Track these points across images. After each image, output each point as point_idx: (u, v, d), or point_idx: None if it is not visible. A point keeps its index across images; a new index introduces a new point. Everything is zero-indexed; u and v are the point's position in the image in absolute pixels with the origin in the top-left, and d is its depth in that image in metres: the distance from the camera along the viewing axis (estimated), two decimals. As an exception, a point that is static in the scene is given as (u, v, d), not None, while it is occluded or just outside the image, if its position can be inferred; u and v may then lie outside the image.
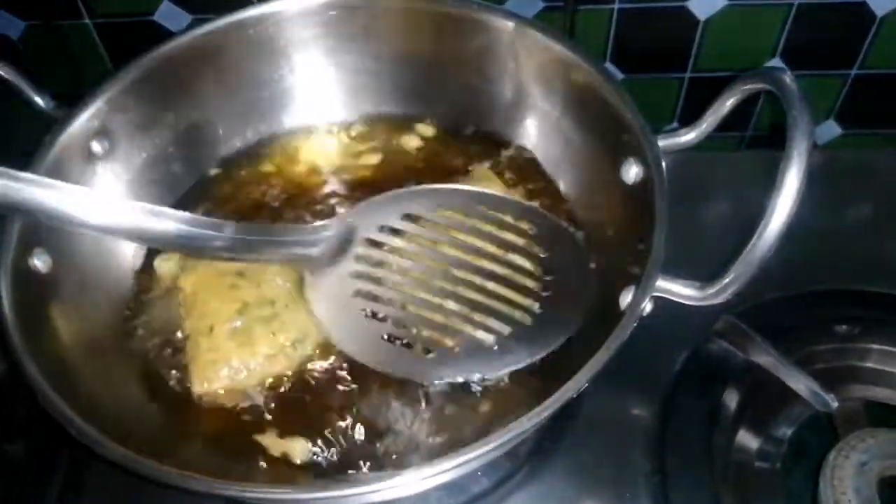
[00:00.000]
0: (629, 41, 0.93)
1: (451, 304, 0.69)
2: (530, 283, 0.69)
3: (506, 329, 0.68)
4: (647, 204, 0.63)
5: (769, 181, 0.54)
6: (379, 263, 0.70)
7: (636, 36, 0.92)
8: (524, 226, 0.70)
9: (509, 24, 0.76)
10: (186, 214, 0.58)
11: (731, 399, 0.77)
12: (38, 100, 0.73)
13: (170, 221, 0.57)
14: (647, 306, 0.58)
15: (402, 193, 0.71)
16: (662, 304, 0.60)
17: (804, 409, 0.77)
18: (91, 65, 0.97)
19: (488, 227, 0.69)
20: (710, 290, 0.57)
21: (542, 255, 0.69)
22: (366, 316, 0.69)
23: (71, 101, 0.74)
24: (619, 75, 0.96)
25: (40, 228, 0.67)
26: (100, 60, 0.97)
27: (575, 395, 0.53)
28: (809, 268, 0.85)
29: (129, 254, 0.78)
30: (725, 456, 0.75)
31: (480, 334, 0.68)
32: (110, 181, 0.75)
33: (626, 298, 0.61)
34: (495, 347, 0.67)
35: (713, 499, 0.71)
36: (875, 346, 0.80)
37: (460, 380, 0.68)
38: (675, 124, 1.03)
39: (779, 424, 0.78)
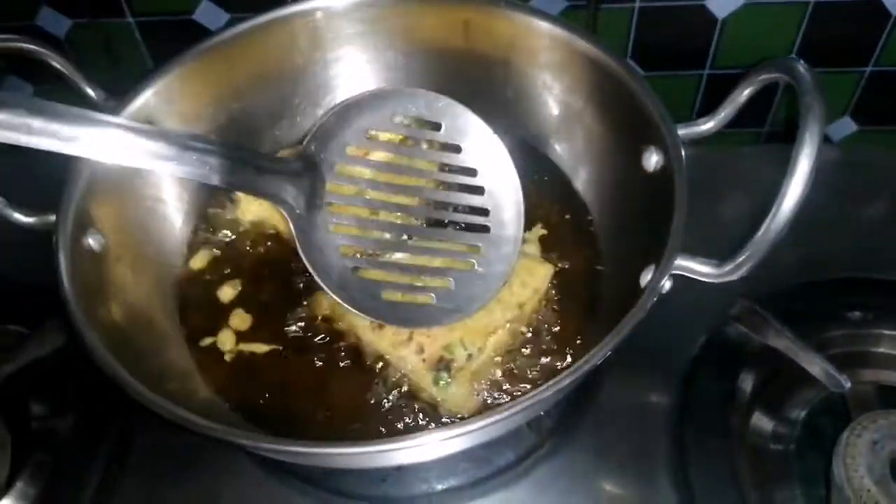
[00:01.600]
0: (649, 39, 0.95)
1: (433, 245, 0.74)
2: (479, 203, 0.74)
3: (479, 251, 0.72)
4: (668, 189, 0.66)
5: (785, 172, 0.56)
6: (352, 210, 0.73)
7: (656, 34, 0.95)
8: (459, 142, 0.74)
9: (535, 21, 0.80)
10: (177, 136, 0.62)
11: (747, 381, 0.80)
12: (90, 91, 0.77)
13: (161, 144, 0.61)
14: (667, 283, 0.61)
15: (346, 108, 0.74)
16: (682, 289, 0.63)
17: (817, 391, 0.79)
18: (133, 62, 1.01)
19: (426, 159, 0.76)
20: (727, 268, 0.59)
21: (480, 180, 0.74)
22: (357, 274, 0.72)
23: (118, 95, 0.78)
24: (640, 72, 0.99)
25: (93, 211, 0.71)
26: (141, 58, 1.01)
27: (599, 362, 0.56)
28: (824, 257, 0.88)
29: (177, 226, 0.83)
30: (742, 436, 0.77)
31: (465, 265, 0.72)
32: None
33: (646, 277, 0.64)
34: (480, 270, 0.72)
35: (731, 475, 0.73)
36: (887, 332, 0.82)
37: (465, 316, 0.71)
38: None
39: (793, 406, 0.80)
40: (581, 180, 0.84)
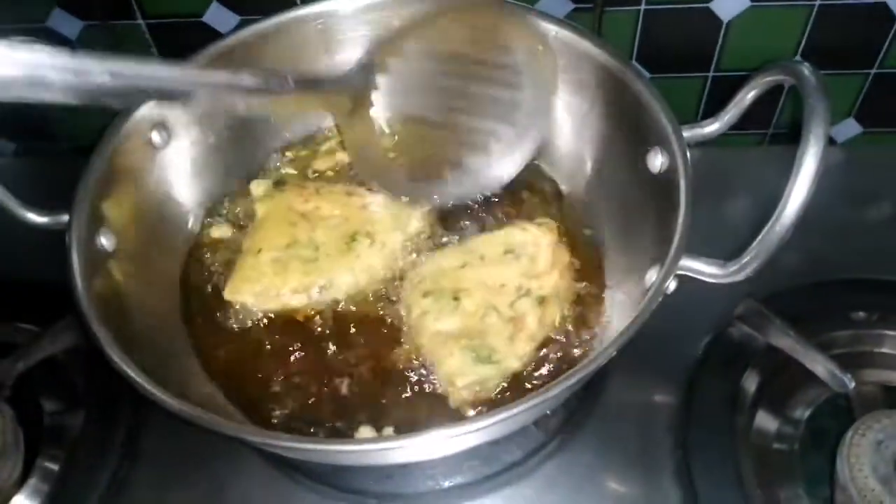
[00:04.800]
0: (654, 41, 0.96)
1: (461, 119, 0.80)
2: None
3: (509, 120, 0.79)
4: (673, 190, 0.67)
5: (789, 174, 0.57)
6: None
7: (661, 36, 0.95)
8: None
9: (542, 24, 0.80)
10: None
11: (751, 381, 0.80)
12: (102, 93, 0.78)
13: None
14: (672, 284, 0.61)
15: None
16: (686, 289, 0.63)
17: (821, 391, 0.80)
18: (143, 63, 1.02)
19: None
20: (732, 268, 0.60)
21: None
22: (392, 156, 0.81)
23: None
24: (646, 74, 0.99)
25: (105, 210, 0.72)
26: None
27: (605, 362, 0.57)
28: (828, 258, 0.88)
29: (188, 226, 0.84)
30: (746, 436, 0.78)
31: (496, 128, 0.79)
32: (171, 169, 0.81)
33: (651, 277, 0.65)
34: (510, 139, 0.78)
35: (735, 475, 0.74)
36: (891, 333, 0.83)
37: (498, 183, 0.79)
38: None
39: (797, 406, 0.81)
40: (586, 181, 0.84)
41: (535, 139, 0.79)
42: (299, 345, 0.77)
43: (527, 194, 0.85)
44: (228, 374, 0.75)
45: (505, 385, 0.72)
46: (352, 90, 0.81)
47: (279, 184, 0.87)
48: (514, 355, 0.72)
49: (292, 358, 0.76)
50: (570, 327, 0.75)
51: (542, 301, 0.74)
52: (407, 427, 0.70)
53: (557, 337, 0.75)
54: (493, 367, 0.72)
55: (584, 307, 0.77)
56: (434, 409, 0.72)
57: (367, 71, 0.82)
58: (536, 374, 0.73)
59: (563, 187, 0.86)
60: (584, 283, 0.78)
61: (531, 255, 0.78)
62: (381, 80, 0.83)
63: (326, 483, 0.77)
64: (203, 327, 0.78)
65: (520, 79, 0.79)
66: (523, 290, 0.75)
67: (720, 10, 0.92)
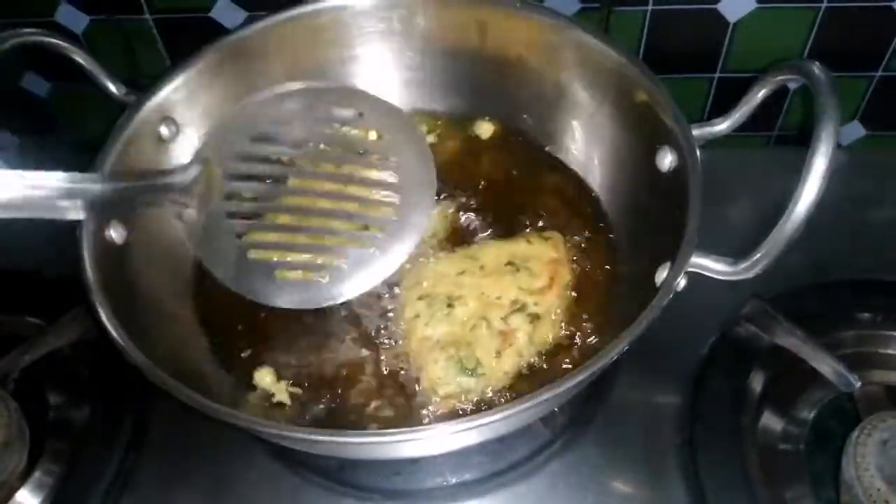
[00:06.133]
0: (661, 42, 0.96)
1: (329, 224, 0.74)
2: (388, 179, 0.74)
3: (380, 231, 0.73)
4: (682, 188, 0.67)
5: (795, 175, 0.57)
6: (248, 198, 0.75)
7: (668, 37, 0.96)
8: (367, 127, 0.77)
9: (550, 23, 0.80)
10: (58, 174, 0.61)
11: (758, 381, 0.81)
12: (111, 86, 0.78)
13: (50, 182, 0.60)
14: (682, 281, 0.62)
15: (245, 107, 0.77)
16: (693, 288, 0.63)
17: (827, 391, 0.80)
18: (149, 59, 1.02)
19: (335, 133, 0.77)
20: (742, 265, 0.60)
21: (389, 157, 0.75)
22: (254, 258, 0.73)
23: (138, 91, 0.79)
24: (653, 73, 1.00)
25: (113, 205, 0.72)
26: (158, 54, 1.01)
27: (615, 358, 0.57)
28: (834, 259, 0.88)
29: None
30: (752, 435, 0.78)
31: (362, 244, 0.72)
32: (180, 162, 0.80)
33: (661, 275, 0.65)
34: (377, 252, 0.72)
35: (741, 474, 0.74)
36: (896, 334, 0.83)
37: (361, 291, 0.72)
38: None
39: (802, 406, 0.81)
40: (596, 180, 0.85)
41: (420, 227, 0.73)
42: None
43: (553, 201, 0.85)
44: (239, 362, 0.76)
45: (484, 400, 0.72)
46: (188, 184, 0.72)
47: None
48: (501, 370, 0.72)
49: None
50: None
51: (535, 318, 0.74)
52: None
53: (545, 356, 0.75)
54: (476, 380, 0.72)
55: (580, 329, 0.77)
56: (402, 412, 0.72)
57: (205, 164, 0.74)
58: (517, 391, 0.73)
59: (573, 187, 0.86)
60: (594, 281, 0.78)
61: (532, 269, 0.77)
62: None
63: (334, 479, 0.77)
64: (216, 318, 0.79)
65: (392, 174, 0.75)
66: (518, 305, 0.75)
67: (727, 11, 0.92)
